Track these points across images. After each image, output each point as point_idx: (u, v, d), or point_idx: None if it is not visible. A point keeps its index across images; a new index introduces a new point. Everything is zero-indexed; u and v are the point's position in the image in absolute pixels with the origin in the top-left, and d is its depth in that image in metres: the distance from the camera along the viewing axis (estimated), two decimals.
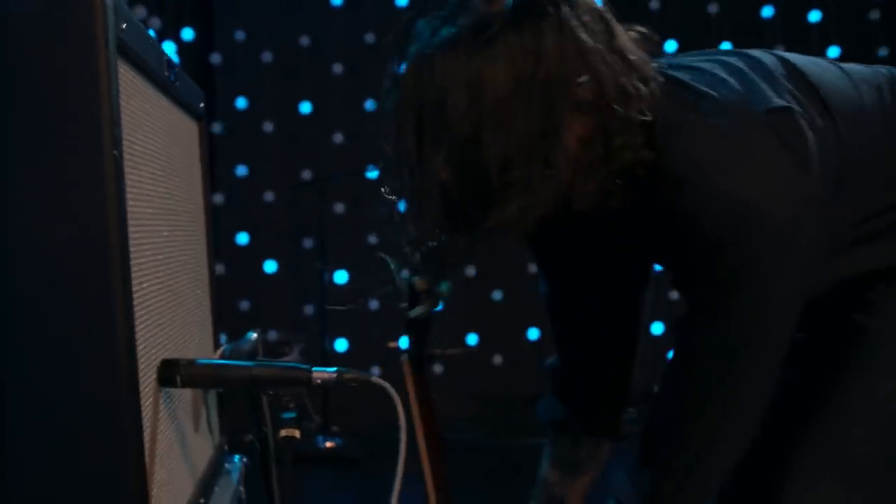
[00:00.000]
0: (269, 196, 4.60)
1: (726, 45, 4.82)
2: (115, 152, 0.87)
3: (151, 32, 3.28)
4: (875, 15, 4.87)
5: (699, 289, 1.17)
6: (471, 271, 4.86)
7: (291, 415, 0.99)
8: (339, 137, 4.64)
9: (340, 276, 4.57)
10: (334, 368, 1.02)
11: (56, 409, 0.89)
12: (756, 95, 1.14)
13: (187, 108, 1.40)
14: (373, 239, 4.62)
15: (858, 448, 1.27)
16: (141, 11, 3.48)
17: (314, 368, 1.02)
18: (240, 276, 4.56)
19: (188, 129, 1.44)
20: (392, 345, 3.78)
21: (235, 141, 4.57)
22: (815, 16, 4.84)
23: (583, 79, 1.03)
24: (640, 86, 1.07)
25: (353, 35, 4.67)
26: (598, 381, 1.49)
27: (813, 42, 4.84)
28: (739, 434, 1.22)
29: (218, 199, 4.47)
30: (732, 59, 1.22)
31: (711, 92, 1.14)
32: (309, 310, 4.62)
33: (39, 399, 0.88)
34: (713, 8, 4.82)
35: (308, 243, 4.61)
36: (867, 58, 5.13)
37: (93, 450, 0.89)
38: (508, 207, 1.05)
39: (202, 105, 1.50)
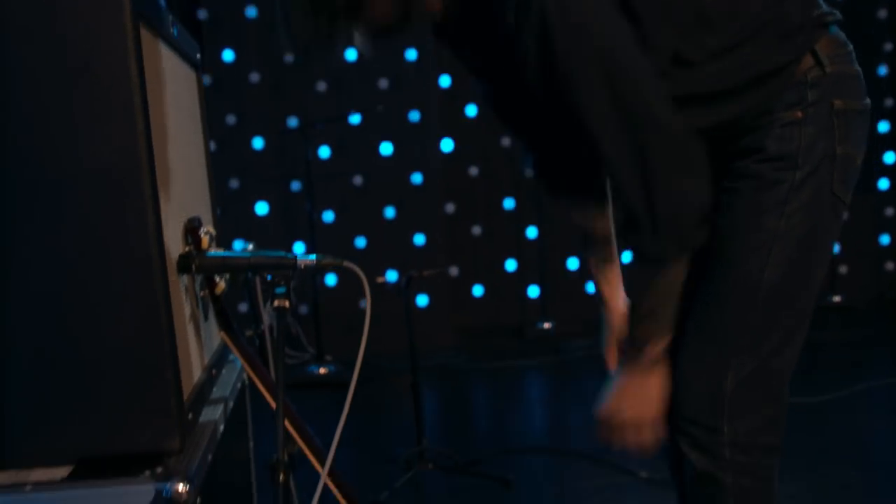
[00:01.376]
0: (257, 143, 4.87)
1: None
2: (141, 94, 1.16)
3: None
4: None
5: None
6: (450, 208, 5.17)
7: (283, 289, 1.30)
8: (322, 86, 4.90)
9: (328, 216, 4.88)
10: (314, 256, 1.33)
11: (103, 287, 1.18)
12: None
13: (188, 58, 1.69)
14: (357, 180, 4.93)
15: (728, 325, 1.58)
16: None
17: (298, 256, 1.33)
18: (233, 218, 4.87)
19: (189, 76, 1.72)
20: (379, 279, 4.12)
21: (224, 92, 4.84)
22: None
23: None
24: None
25: None
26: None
27: None
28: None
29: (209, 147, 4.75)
30: None
31: None
32: (299, 248, 4.93)
33: (94, 283, 1.18)
34: None
35: (296, 186, 4.91)
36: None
37: (133, 319, 1.19)
38: None
39: (198, 55, 1.79)
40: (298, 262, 1.32)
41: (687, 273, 1.69)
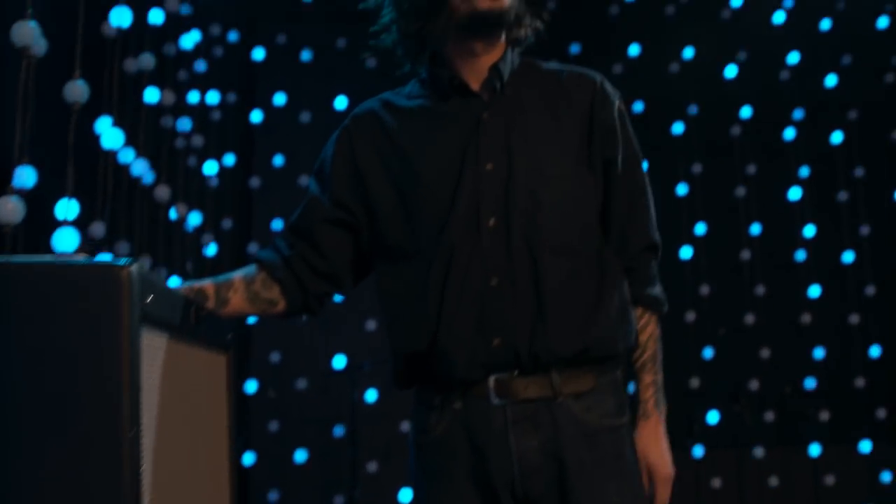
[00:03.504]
0: (301, 383, 4.59)
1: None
2: (132, 432, 0.87)
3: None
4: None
5: None
6: None
7: None
8: (371, 324, 4.67)
9: (371, 466, 4.49)
10: None
11: None
12: None
13: (213, 344, 1.42)
14: (405, 426, 4.57)
15: None
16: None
17: None
18: (269, 465, 4.51)
19: (213, 363, 1.45)
20: None
21: (268, 329, 4.62)
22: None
23: None
24: None
25: None
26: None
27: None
28: None
29: (251, 387, 4.48)
30: None
31: None
32: (339, 501, 4.52)
33: None
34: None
35: (339, 431, 4.57)
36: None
37: None
38: None
39: (229, 336, 1.52)
40: None
41: None
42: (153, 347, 1.02)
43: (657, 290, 1.71)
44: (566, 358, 1.55)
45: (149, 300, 0.94)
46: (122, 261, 0.89)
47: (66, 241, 2.05)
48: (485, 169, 1.58)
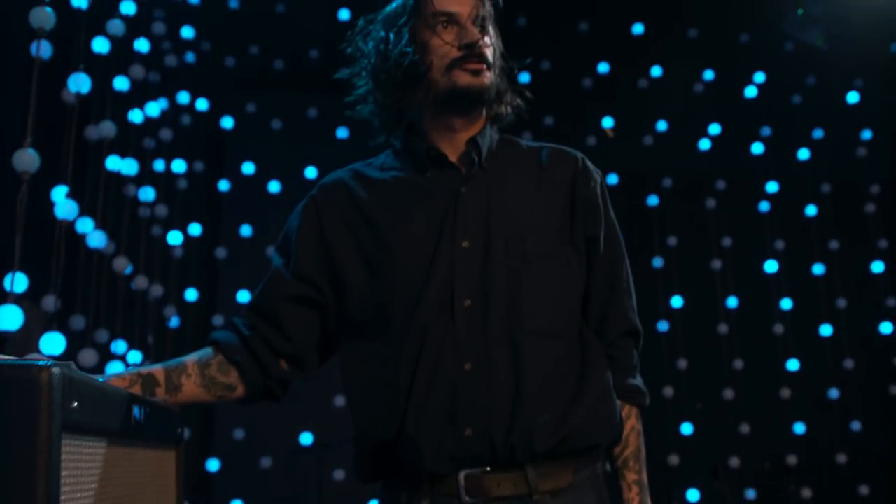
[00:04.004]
0: (265, 461, 4.40)
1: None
2: None
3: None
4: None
5: None
6: None
7: None
8: (339, 401, 4.51)
9: None
10: None
11: None
12: None
13: (161, 441, 1.28)
14: None
15: None
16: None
17: None
18: None
19: (161, 461, 1.31)
20: None
21: (230, 406, 4.45)
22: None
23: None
24: None
25: None
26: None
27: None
28: None
29: (213, 465, 4.29)
30: None
31: None
32: None
33: None
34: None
35: None
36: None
37: None
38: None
39: (179, 430, 1.38)
40: None
41: None
42: (82, 457, 0.89)
43: (638, 380, 1.57)
44: (545, 451, 1.42)
45: (74, 406, 0.81)
46: (42, 362, 0.77)
47: (8, 318, 1.91)
48: (460, 246, 1.47)
